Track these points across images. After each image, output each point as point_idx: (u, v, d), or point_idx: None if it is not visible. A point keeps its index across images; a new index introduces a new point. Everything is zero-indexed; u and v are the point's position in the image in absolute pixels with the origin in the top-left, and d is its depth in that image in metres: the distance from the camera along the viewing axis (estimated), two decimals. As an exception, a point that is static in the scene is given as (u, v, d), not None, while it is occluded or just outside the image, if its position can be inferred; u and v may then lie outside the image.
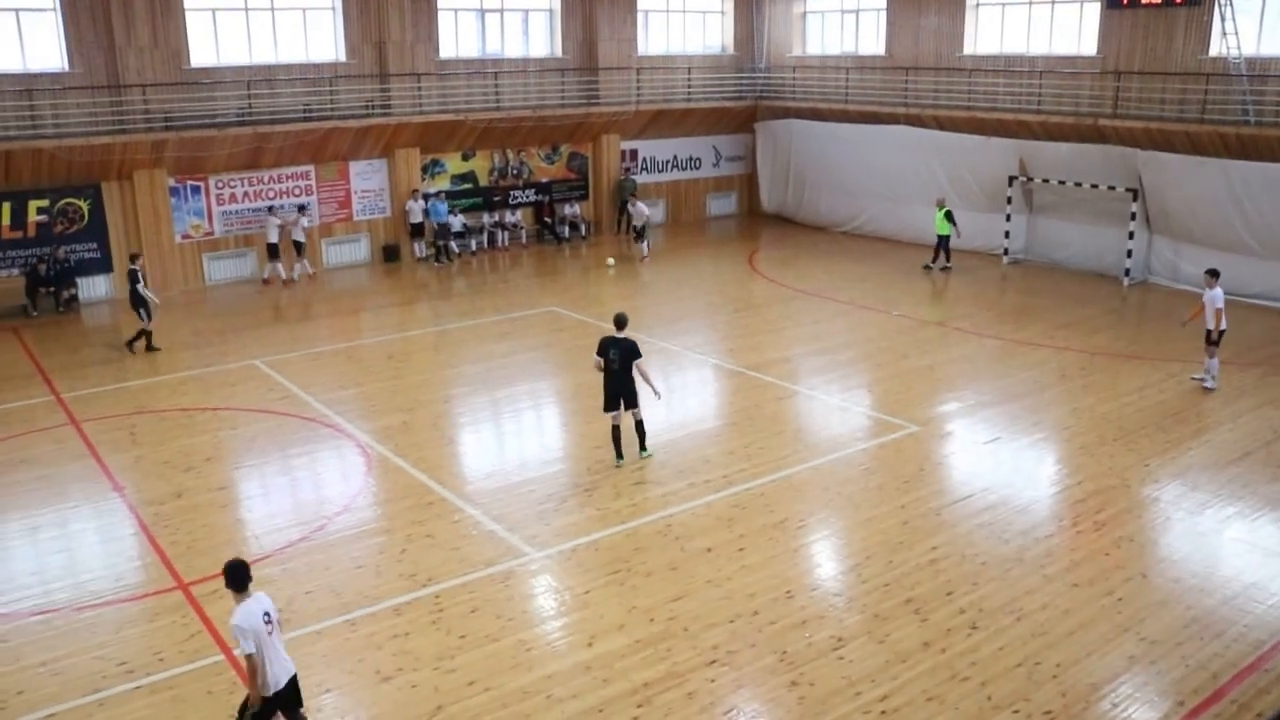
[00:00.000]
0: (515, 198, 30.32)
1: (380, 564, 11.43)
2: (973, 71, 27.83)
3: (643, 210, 27.79)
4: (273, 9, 25.96)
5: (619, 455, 13.88)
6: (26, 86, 22.88)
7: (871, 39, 31.35)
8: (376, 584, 10.98)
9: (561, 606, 10.55)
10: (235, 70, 25.37)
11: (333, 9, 26.77)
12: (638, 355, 13.61)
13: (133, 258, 20.55)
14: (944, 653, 9.54)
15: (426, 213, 27.82)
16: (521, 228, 30.39)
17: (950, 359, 18.65)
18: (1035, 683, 9.10)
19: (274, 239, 25.59)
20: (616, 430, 13.84)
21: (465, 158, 29.29)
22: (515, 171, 30.25)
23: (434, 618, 10.29)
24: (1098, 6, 25.44)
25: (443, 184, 28.98)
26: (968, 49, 28.40)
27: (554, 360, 19.00)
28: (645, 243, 27.64)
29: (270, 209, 25.89)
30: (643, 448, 14.06)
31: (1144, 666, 9.35)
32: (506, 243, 29.97)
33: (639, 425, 13.98)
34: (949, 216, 25.24)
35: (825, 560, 11.68)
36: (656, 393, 14.00)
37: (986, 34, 28.40)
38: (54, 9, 23.29)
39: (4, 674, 9.51)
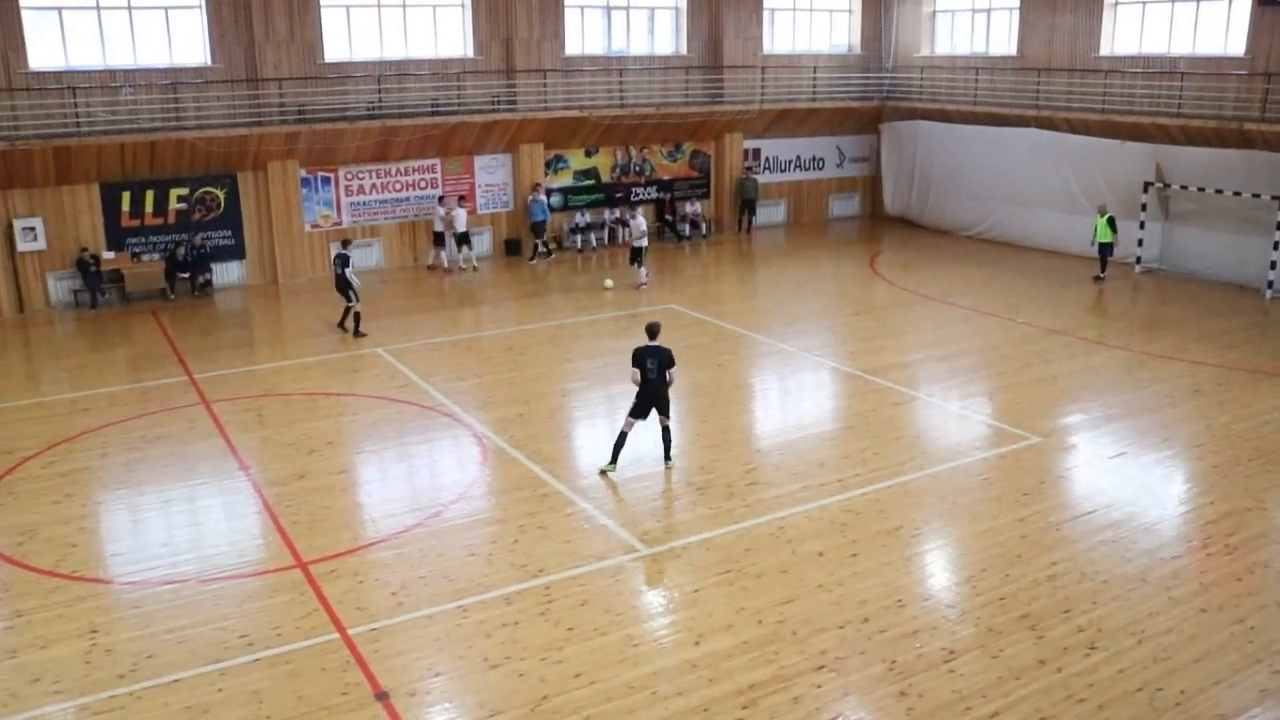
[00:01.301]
0: (637, 195, 30.44)
1: (492, 553, 11.58)
2: (1109, 72, 26.90)
3: (640, 227, 24.64)
4: (404, 5, 26.56)
5: (614, 461, 13.55)
6: (172, 80, 23.87)
7: (1003, 38, 30.54)
8: (488, 572, 11.12)
9: (670, 604, 10.54)
10: (366, 65, 26.03)
11: (462, 6, 27.24)
12: (672, 364, 13.30)
13: (344, 243, 21.20)
14: (1060, 672, 9.23)
15: (549, 207, 28.16)
16: (642, 224, 30.50)
17: (1075, 369, 18.07)
18: (1156, 710, 8.74)
19: (440, 228, 26.49)
20: (624, 437, 13.49)
21: (588, 154, 29.51)
22: (637, 169, 30.37)
23: (543, 608, 10.37)
24: (1247, 4, 24.33)
25: (565, 180, 29.26)
26: (1104, 49, 27.45)
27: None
28: (642, 267, 24.58)
29: (440, 199, 26.73)
30: (667, 456, 13.69)
31: (1277, 701, 8.90)
32: (627, 239, 30.10)
33: (666, 431, 13.62)
34: (1111, 223, 24.27)
35: (939, 570, 11.43)
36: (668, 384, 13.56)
37: (1125, 33, 27.41)
38: (199, 6, 24.23)
39: (135, 638, 9.92)
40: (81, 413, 16.43)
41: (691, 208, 31.09)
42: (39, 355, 20.48)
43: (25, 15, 22.65)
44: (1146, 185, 24.97)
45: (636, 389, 13.34)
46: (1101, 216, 24.33)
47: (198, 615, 10.32)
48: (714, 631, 9.92)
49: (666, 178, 30.88)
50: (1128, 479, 13.49)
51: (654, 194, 30.77)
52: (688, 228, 30.82)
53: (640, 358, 13.26)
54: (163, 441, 15.11)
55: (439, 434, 15.35)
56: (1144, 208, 25.13)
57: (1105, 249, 24.37)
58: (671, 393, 13.51)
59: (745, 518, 12.37)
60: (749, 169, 31.64)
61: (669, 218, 30.80)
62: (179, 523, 12.66)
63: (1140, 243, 25.39)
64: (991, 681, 9.10)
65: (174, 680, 9.23)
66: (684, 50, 30.74)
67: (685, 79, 30.49)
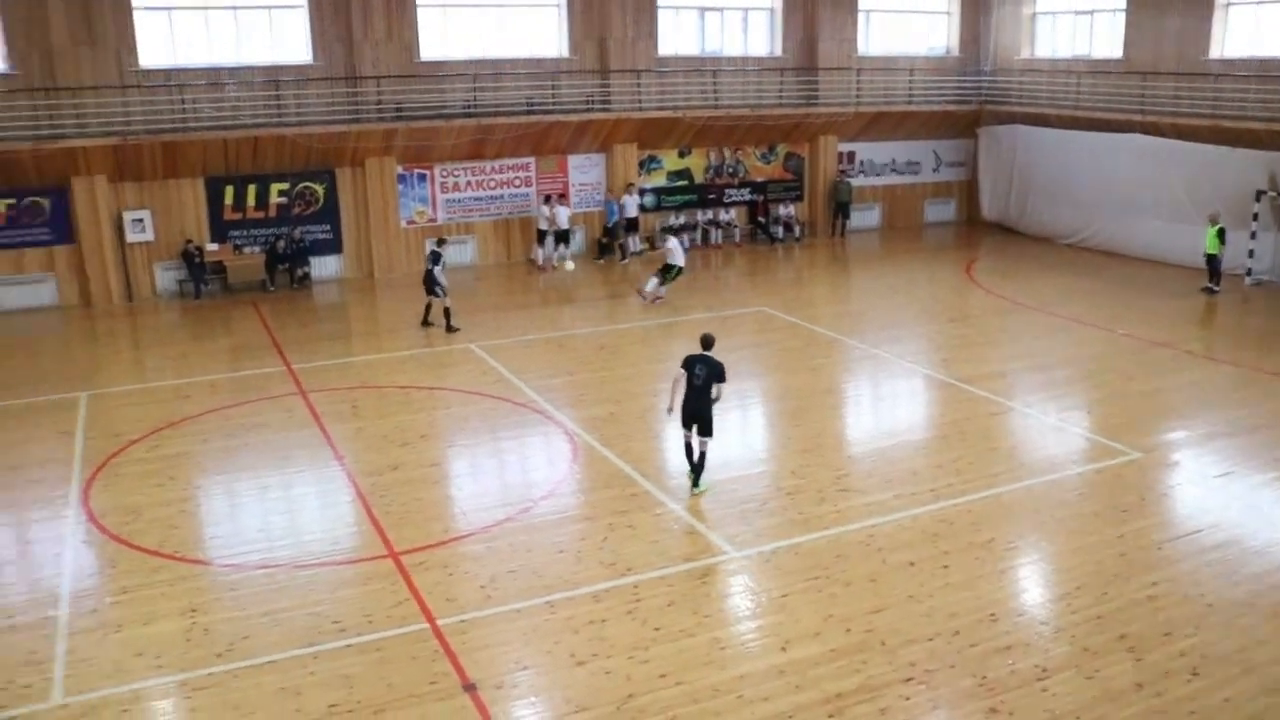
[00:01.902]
0: (730, 196, 30.36)
1: (581, 550, 11.62)
2: (1219, 76, 26.04)
3: (674, 247, 22.79)
4: (500, 5, 26.87)
5: (695, 479, 13.06)
6: (274, 78, 24.46)
7: (1107, 41, 29.73)
8: (576, 569, 11.16)
9: (758, 608, 10.47)
10: (463, 64, 26.34)
11: (558, 6, 27.45)
12: (723, 378, 12.89)
13: (439, 241, 21.55)
14: (1159, 696, 8.94)
15: (642, 207, 28.25)
16: (735, 226, 30.43)
17: (1180, 384, 17.53)
18: (1266, 741, 8.43)
19: (543, 226, 26.79)
20: (690, 447, 13.02)
21: (681, 155, 29.52)
22: (731, 170, 30.29)
23: (630, 607, 10.38)
24: (1370, 9, 23.38)
25: (659, 180, 29.30)
26: (1214, 52, 26.57)
27: (762, 361, 18.91)
28: (664, 284, 22.90)
29: (546, 199, 26.99)
30: (696, 484, 13.05)
31: (1393, 733, 8.53)
32: (720, 240, 30.08)
33: (702, 457, 13.02)
34: (1221, 234, 23.47)
35: (1033, 585, 11.16)
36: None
37: (1237, 35, 26.50)
38: (303, 5, 24.79)
39: (231, 620, 10.17)
40: (184, 399, 16.92)
41: (784, 210, 30.90)
42: (145, 342, 21.14)
43: (136, 15, 23.45)
44: (1259, 194, 24.12)
45: (677, 395, 12.88)
46: (1212, 226, 23.54)
47: (292, 600, 10.54)
48: (801, 638, 9.82)
49: (760, 179, 30.73)
50: (1234, 499, 13.03)
51: (747, 196, 30.65)
52: (781, 230, 30.65)
53: (689, 364, 12.82)
54: (261, 429, 15.47)
55: (530, 430, 15.47)
56: (1255, 218, 24.28)
57: (1213, 260, 23.59)
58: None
59: (835, 524, 12.23)
60: (843, 172, 31.35)
61: (762, 220, 30.66)
62: (275, 509, 12.95)
63: (1251, 254, 24.53)
64: (1086, 703, 8.85)
65: (268, 661, 9.44)
66: (778, 51, 30.55)
67: (780, 80, 30.31)
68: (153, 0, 23.77)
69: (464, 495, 13.28)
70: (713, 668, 9.33)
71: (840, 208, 31.00)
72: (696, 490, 13.01)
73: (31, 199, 23.06)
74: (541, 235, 27.11)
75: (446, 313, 20.68)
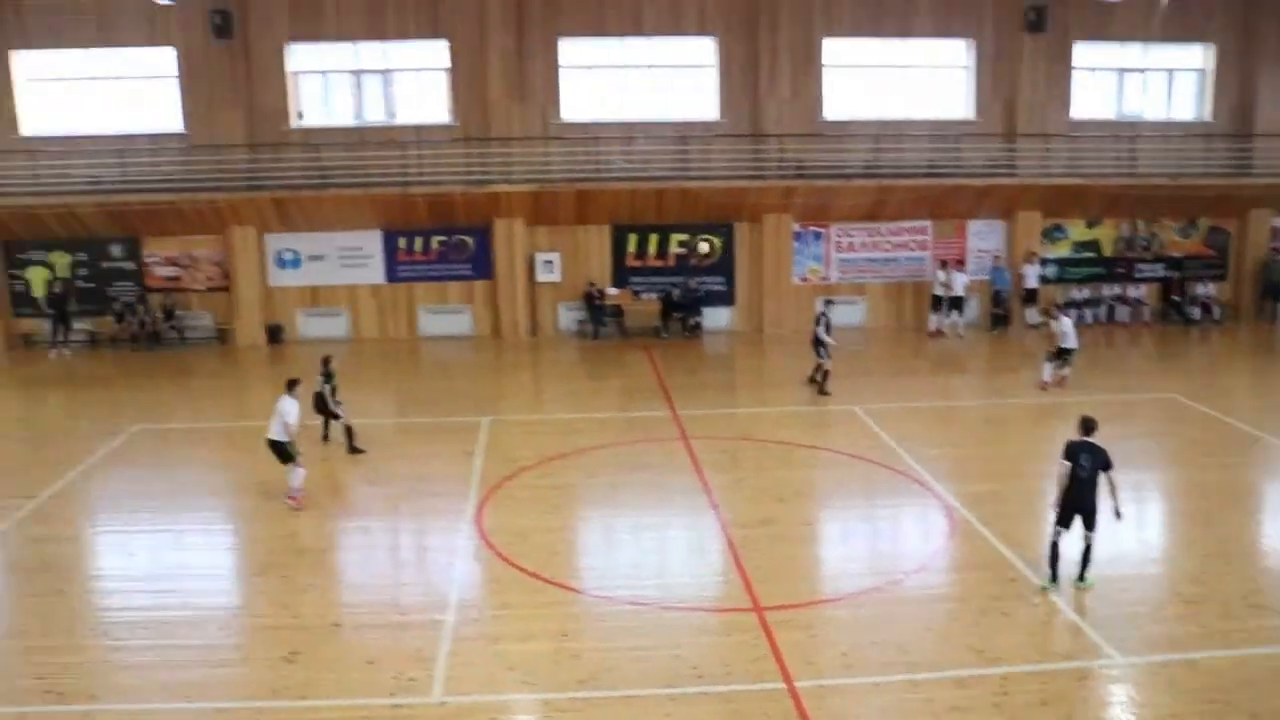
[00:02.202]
0: (1141, 271, 28.09)
1: (950, 631, 10.93)
2: None
3: (1067, 329, 20.54)
4: (906, 66, 26.57)
5: (1053, 577, 11.78)
6: (682, 134, 25.59)
7: None
8: (943, 650, 10.50)
9: (1146, 724, 9.35)
10: (865, 124, 26.28)
11: (966, 68, 26.74)
12: (1110, 466, 11.55)
13: (827, 302, 21.55)
14: None
15: (1043, 278, 26.80)
16: (1144, 304, 28.09)
17: None
18: None
19: (939, 291, 26.33)
20: (1057, 548, 11.73)
21: (1090, 225, 27.71)
22: (1144, 243, 28.05)
23: (997, 700, 9.58)
24: None
25: (1063, 250, 27.68)
26: None
27: (1166, 452, 17.12)
28: (1064, 369, 20.72)
29: (943, 264, 26.50)
30: (1082, 577, 11.76)
31: None
32: (1127, 319, 27.88)
33: (1088, 550, 11.71)
34: None
35: None
36: (1119, 512, 11.71)
37: None
38: (714, 65, 25.83)
39: (598, 650, 10.44)
40: (575, 433, 17.84)
41: (1203, 289, 28.11)
42: (545, 376, 22.65)
43: (562, 73, 25.67)
44: None
45: (1060, 490, 11.83)
46: None
47: (655, 639, 10.67)
48: (1202, 767, 8.63)
49: (1176, 255, 28.18)
50: None
51: (1161, 272, 28.21)
52: (1198, 311, 27.89)
53: (1073, 453, 11.71)
54: (643, 470, 15.97)
55: (907, 500, 14.89)
56: None
57: None
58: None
59: (1243, 644, 10.68)
60: (1276, 250, 28.08)
61: (1176, 299, 28.06)
62: (648, 548, 13.26)
63: None
64: None
65: (627, 695, 9.58)
66: (1207, 116, 27.95)
67: (1206, 147, 27.67)
68: (576, 59, 25.76)
69: (833, 557, 12.99)
70: (1096, 783, 8.40)
71: (1271, 289, 27.74)
72: (1081, 584, 11.86)
73: (459, 237, 25.65)
74: (936, 301, 26.39)
75: (824, 375, 20.29)
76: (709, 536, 13.48)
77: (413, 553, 13.51)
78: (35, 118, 25.56)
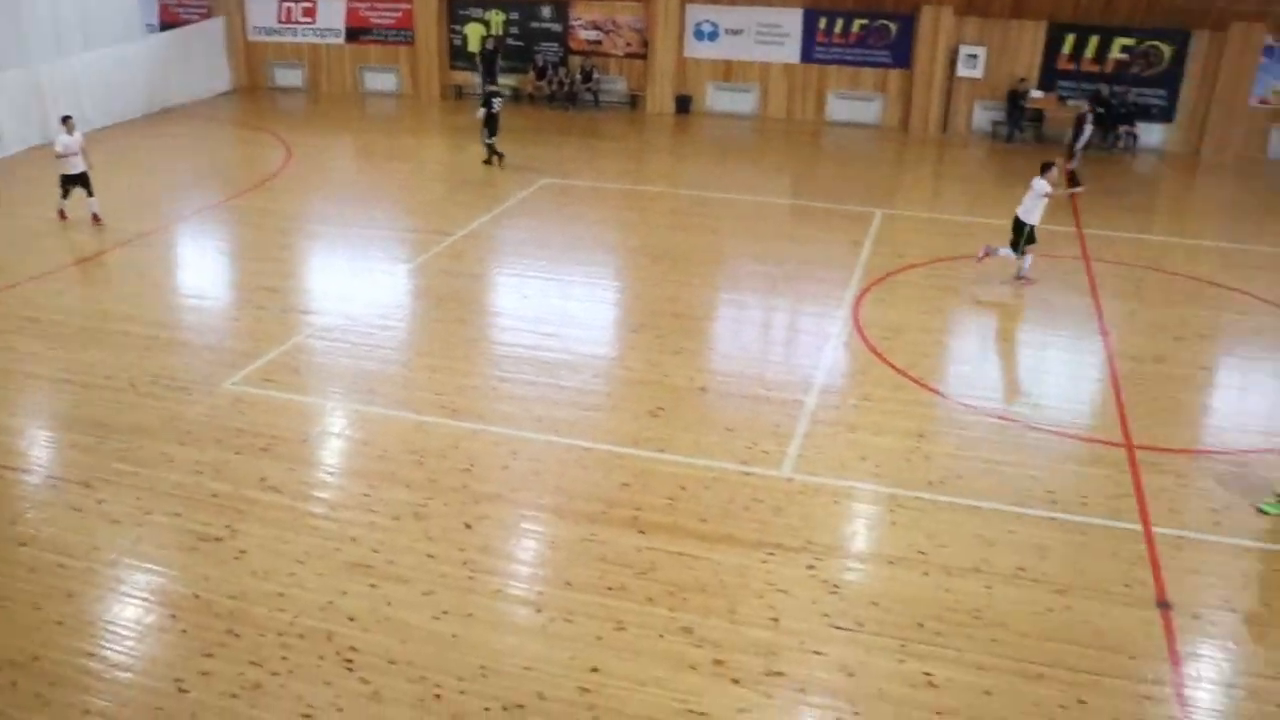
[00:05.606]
0: None
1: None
2: None
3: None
4: None
5: None
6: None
7: None
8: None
9: None
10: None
11: None
12: None
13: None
14: None
15: None
16: None
17: None
18: None
19: None
20: None
21: None
22: None
23: (1388, 594, 8.76)
24: None
25: None
26: None
27: None
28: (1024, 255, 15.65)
29: None
30: None
31: None
32: None
33: None
34: None
35: None
36: None
37: None
38: None
39: (952, 455, 10.46)
40: (970, 236, 17.23)
41: None
42: (947, 175, 21.87)
43: None
44: None
45: None
46: None
47: (1014, 456, 10.53)
48: None
49: None
50: None
51: None
52: None
53: None
54: (1034, 286, 15.30)
55: (1330, 360, 13.38)
56: None
57: None
58: None
59: None
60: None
61: None
62: (1024, 364, 12.95)
63: None
64: None
65: (973, 505, 9.62)
66: None
67: None
68: None
69: (1225, 409, 12.01)
70: None
71: None
72: None
73: (882, 21, 24.68)
74: None
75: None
76: (1091, 363, 12.88)
77: (785, 332, 13.95)
78: None
